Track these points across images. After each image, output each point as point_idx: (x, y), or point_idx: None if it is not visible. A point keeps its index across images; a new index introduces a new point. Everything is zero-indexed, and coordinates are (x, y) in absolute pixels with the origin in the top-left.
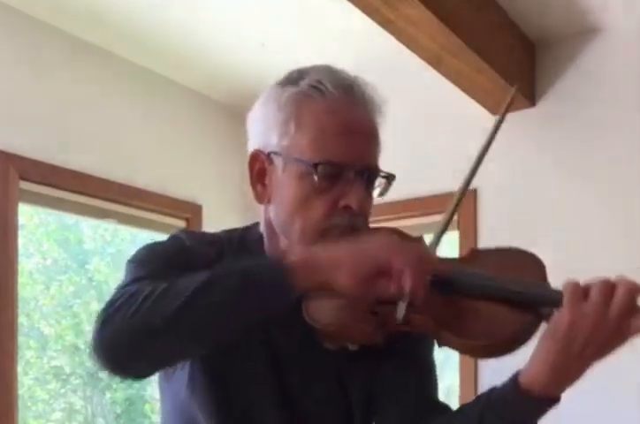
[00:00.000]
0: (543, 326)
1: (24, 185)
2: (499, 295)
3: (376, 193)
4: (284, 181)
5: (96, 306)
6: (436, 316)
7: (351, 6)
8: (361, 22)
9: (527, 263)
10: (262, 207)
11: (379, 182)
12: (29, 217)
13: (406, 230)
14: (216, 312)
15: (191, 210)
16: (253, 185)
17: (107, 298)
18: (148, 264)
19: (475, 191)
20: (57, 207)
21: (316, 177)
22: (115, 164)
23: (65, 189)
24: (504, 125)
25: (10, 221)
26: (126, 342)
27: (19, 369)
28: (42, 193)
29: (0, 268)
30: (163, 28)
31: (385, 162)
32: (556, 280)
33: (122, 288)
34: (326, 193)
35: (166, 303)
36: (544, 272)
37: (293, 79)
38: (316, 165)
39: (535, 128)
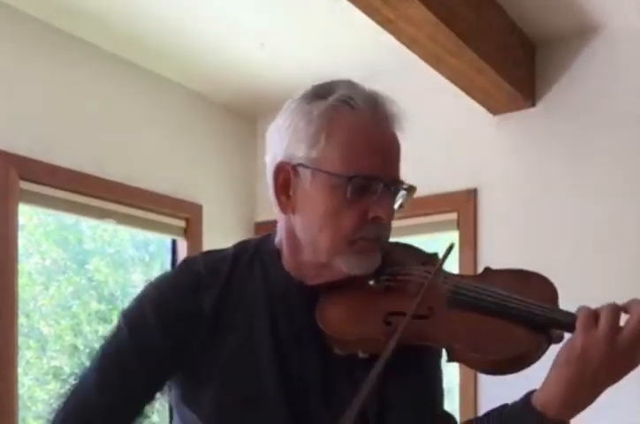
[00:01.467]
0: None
1: (24, 185)
2: (514, 314)
3: (397, 205)
4: (312, 193)
5: (96, 307)
6: (451, 330)
7: (351, 6)
8: (361, 22)
9: (540, 286)
10: (282, 217)
11: (400, 194)
12: (28, 217)
13: (405, 230)
14: None
15: (191, 210)
16: (277, 195)
17: (106, 298)
18: (125, 337)
19: (475, 191)
20: (56, 207)
21: (348, 190)
22: (115, 164)
23: (65, 189)
24: (504, 125)
25: (10, 221)
26: None
27: (19, 370)
28: (42, 193)
29: (0, 268)
30: (163, 28)
31: None
32: (556, 280)
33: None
34: (356, 205)
35: None
36: (555, 296)
37: (321, 93)
38: (350, 178)
39: (535, 128)
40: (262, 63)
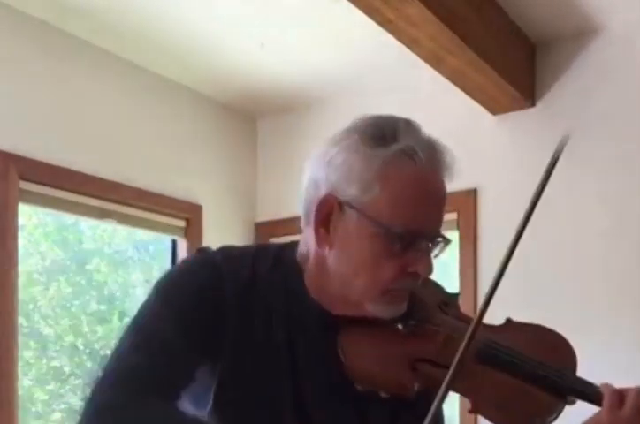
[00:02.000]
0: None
1: (24, 185)
2: (541, 380)
3: (434, 253)
4: (354, 235)
5: (96, 307)
6: (476, 384)
7: (351, 6)
8: (361, 22)
9: (561, 349)
10: (314, 243)
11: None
12: (28, 218)
13: None
14: None
15: (191, 210)
16: (316, 227)
17: (106, 298)
18: (169, 311)
19: (475, 191)
20: (56, 207)
21: (396, 244)
22: (115, 164)
23: (65, 189)
24: (504, 125)
25: (10, 221)
26: None
27: (19, 370)
28: (42, 193)
29: (0, 268)
30: (164, 29)
31: None
32: (556, 280)
33: (119, 349)
34: (398, 258)
35: None
36: (575, 362)
37: (384, 138)
38: (397, 234)
39: (535, 128)
40: (263, 63)
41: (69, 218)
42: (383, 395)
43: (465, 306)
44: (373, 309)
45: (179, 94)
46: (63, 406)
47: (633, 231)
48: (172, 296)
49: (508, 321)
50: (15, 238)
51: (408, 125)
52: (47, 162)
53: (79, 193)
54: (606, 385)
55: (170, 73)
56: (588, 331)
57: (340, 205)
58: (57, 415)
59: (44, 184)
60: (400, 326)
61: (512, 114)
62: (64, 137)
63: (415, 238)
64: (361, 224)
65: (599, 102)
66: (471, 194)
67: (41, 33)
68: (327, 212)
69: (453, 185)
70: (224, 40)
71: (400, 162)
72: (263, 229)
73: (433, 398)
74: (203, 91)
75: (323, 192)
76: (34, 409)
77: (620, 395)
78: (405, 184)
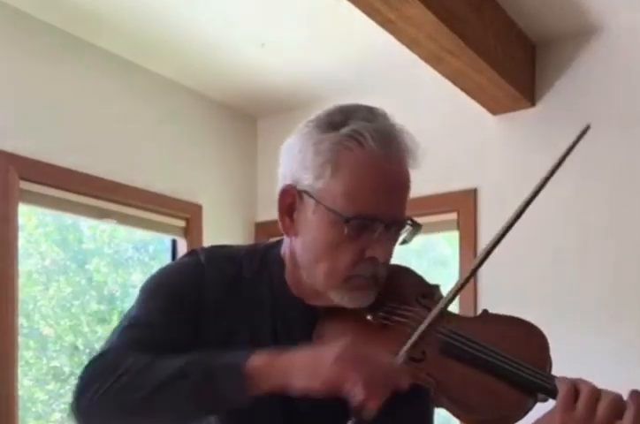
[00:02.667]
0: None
1: (24, 185)
2: (503, 374)
3: (400, 240)
4: (313, 223)
5: (96, 307)
6: (440, 377)
7: (351, 6)
8: (361, 22)
9: (534, 342)
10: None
11: (406, 229)
12: (27, 218)
13: None
14: (175, 405)
15: (191, 210)
16: (281, 217)
17: (106, 298)
18: (153, 301)
19: (475, 191)
20: (56, 207)
21: (346, 229)
22: (115, 164)
23: (65, 189)
24: (504, 125)
25: (10, 221)
26: (97, 415)
27: (19, 370)
28: (42, 192)
29: (0, 268)
30: (164, 28)
31: None
32: (556, 279)
33: (115, 333)
34: (354, 243)
35: (133, 390)
36: (546, 356)
37: (335, 123)
38: (348, 219)
39: (535, 128)
40: (263, 63)
41: (68, 218)
42: None
43: (465, 306)
44: (337, 298)
45: (178, 94)
46: (63, 406)
47: (635, 230)
48: (156, 293)
49: (484, 312)
50: (15, 238)
51: (369, 112)
52: (47, 162)
53: (79, 193)
54: (563, 380)
55: (170, 73)
56: (597, 335)
57: (300, 194)
58: (56, 415)
59: (44, 184)
60: (369, 317)
61: (512, 114)
62: (64, 137)
63: (369, 223)
64: (318, 211)
65: (599, 101)
66: (471, 194)
67: (42, 33)
68: (290, 201)
69: (453, 185)
70: (224, 40)
71: (347, 146)
72: (263, 229)
73: (408, 391)
74: (203, 91)
75: (287, 182)
76: (34, 409)
77: (575, 390)
78: (353, 168)
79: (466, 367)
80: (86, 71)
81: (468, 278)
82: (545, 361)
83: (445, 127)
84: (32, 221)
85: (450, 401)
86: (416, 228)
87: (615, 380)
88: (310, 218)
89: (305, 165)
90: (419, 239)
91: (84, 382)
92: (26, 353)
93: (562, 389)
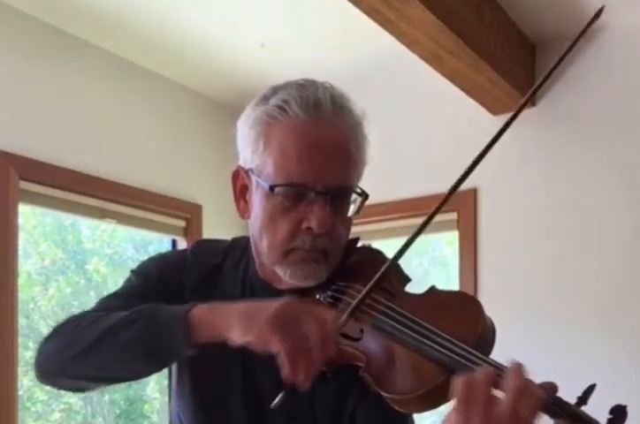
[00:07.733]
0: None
1: (24, 185)
2: (427, 352)
3: (351, 210)
4: (255, 199)
5: None
6: (370, 356)
7: (351, 6)
8: (361, 22)
9: (471, 319)
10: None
11: (354, 198)
12: (27, 218)
13: (405, 230)
14: (120, 350)
15: (191, 210)
16: (236, 200)
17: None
18: (135, 279)
19: (475, 191)
20: (56, 207)
21: (278, 199)
22: (115, 164)
23: (65, 189)
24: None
25: (10, 221)
26: (52, 364)
27: (19, 370)
28: (42, 193)
29: (0, 268)
30: (164, 28)
31: (386, 162)
32: (555, 279)
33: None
34: (290, 214)
35: (84, 336)
36: (476, 335)
37: (266, 97)
38: (272, 187)
39: (535, 128)
40: (262, 63)
41: (68, 218)
42: (328, 374)
43: None
44: (284, 275)
45: (179, 93)
46: (63, 406)
47: (630, 229)
48: (139, 274)
49: (430, 288)
50: (15, 238)
51: (298, 83)
52: (47, 162)
53: (79, 193)
54: (459, 381)
55: (170, 73)
56: (597, 335)
57: (247, 174)
58: (56, 415)
59: (44, 184)
60: (317, 295)
61: (512, 114)
62: (63, 137)
63: (301, 191)
64: (258, 187)
65: (599, 101)
66: (471, 194)
67: (41, 33)
68: (242, 184)
69: (452, 184)
70: (224, 40)
71: (273, 115)
72: None
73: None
74: (203, 91)
75: (239, 164)
76: (34, 409)
77: (473, 383)
78: (280, 137)
79: (395, 344)
80: (86, 71)
81: (401, 252)
82: (475, 331)
83: (445, 127)
84: (31, 221)
85: (375, 380)
86: (363, 197)
87: (615, 380)
88: (254, 195)
89: (245, 143)
90: (419, 239)
91: (46, 337)
92: (26, 353)
93: (457, 385)
